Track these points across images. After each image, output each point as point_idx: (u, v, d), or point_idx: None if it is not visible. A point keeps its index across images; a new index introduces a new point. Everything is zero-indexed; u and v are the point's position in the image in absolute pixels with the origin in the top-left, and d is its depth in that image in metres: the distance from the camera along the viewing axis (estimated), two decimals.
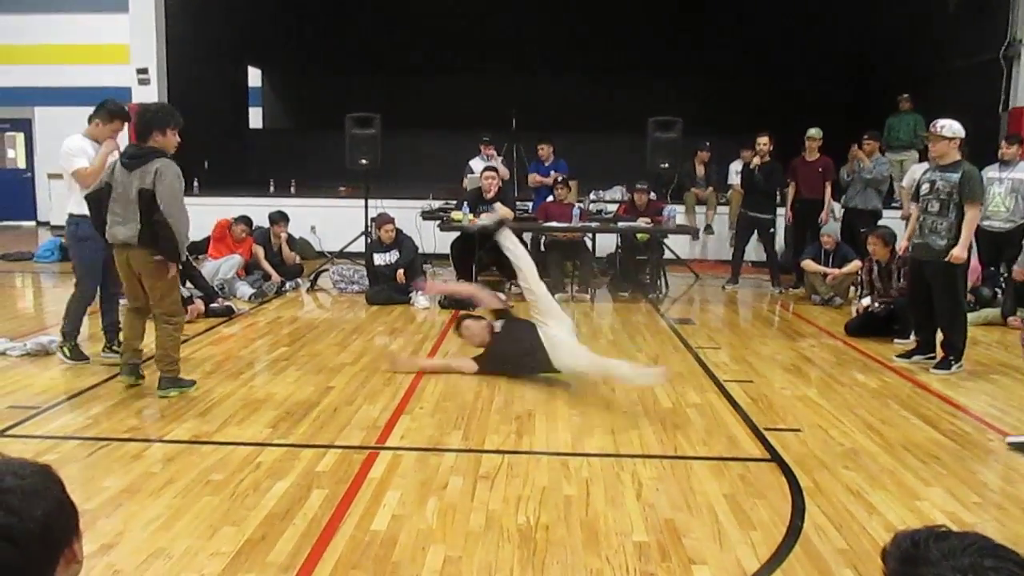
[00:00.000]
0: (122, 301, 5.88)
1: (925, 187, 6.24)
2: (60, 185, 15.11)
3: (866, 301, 7.68)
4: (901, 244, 7.06)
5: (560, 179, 10.32)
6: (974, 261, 7.87)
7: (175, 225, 5.00)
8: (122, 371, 5.49)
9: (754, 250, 10.71)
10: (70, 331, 6.02)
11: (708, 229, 12.23)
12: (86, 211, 5.43)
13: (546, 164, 11.51)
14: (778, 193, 10.27)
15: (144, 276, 5.18)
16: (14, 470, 1.23)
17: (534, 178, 11.48)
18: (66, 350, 6.01)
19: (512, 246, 6.19)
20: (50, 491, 1.25)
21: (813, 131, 9.98)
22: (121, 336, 5.73)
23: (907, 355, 6.58)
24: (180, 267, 5.45)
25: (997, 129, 10.39)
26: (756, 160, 9.99)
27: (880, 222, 9.16)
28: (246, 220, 9.54)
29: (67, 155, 5.83)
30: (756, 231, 10.28)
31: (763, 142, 9.89)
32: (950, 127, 6.02)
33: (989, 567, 1.14)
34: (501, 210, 9.61)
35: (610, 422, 4.93)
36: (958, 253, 5.98)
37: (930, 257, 6.16)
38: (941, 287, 6.17)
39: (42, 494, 1.23)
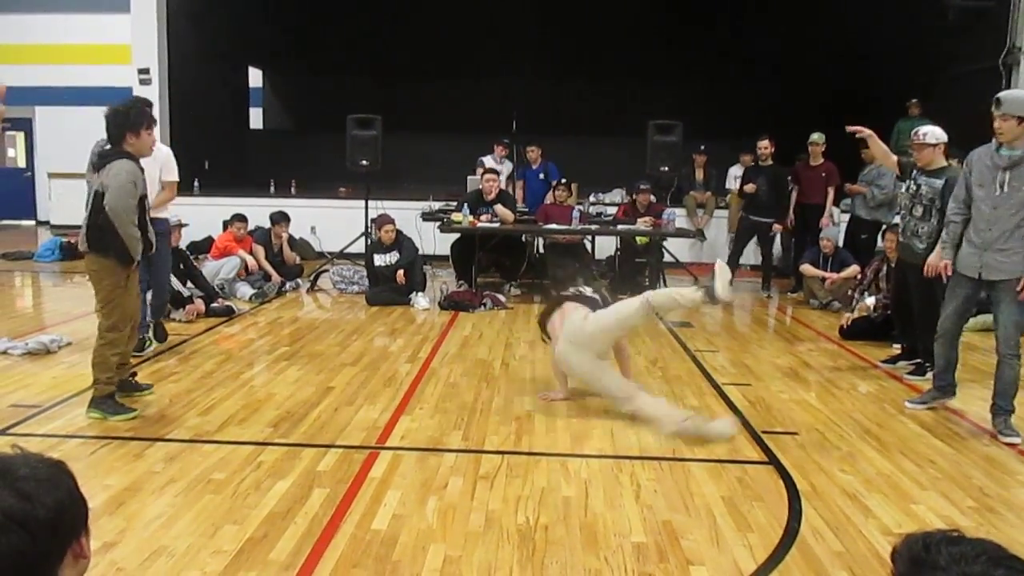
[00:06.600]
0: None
1: (912, 190, 6.21)
2: (60, 184, 15.25)
3: (870, 301, 7.66)
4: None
5: (561, 181, 10.37)
6: None
7: (119, 226, 4.72)
8: None
9: (752, 254, 10.73)
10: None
11: (700, 234, 12.18)
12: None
13: (534, 167, 11.53)
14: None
15: (90, 280, 4.98)
16: (29, 462, 1.26)
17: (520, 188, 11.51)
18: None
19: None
20: (63, 483, 1.27)
21: (815, 136, 9.99)
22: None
23: (892, 360, 6.59)
24: (135, 267, 5.02)
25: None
26: (764, 151, 9.95)
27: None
28: (242, 217, 9.57)
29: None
30: (756, 235, 10.29)
31: (763, 146, 9.90)
32: (933, 133, 5.97)
33: None
34: (502, 212, 9.66)
35: (609, 424, 4.96)
36: (933, 261, 5.92)
37: (911, 260, 6.16)
38: (919, 291, 6.16)
39: (55, 484, 1.25)
